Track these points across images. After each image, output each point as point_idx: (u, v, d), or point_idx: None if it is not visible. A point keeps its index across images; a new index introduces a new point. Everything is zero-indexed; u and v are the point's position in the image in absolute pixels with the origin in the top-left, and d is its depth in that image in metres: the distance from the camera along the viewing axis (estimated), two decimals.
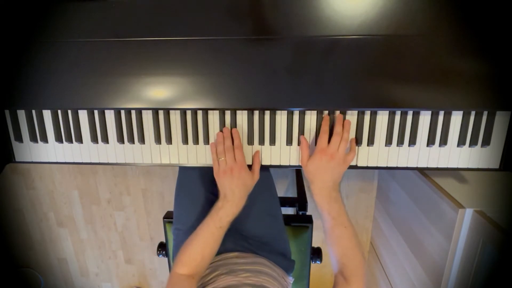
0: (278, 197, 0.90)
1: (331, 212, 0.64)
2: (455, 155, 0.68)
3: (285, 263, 0.83)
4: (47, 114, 0.72)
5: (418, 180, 1.06)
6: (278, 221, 0.87)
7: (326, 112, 0.68)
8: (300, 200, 1.17)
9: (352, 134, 0.69)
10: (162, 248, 1.07)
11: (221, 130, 0.70)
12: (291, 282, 0.84)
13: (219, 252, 0.78)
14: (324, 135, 0.65)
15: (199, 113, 0.70)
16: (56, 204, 1.79)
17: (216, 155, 0.69)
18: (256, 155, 0.70)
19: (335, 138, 0.65)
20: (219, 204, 0.67)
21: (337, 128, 0.65)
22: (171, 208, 0.92)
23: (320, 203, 0.66)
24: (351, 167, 0.70)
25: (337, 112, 0.68)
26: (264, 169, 0.87)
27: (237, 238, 0.81)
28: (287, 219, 0.97)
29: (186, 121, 0.70)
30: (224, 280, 0.68)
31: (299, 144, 0.70)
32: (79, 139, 0.73)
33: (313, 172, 0.66)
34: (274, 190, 0.89)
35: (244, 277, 0.69)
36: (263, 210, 0.85)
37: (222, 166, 0.67)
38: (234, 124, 0.69)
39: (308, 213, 1.07)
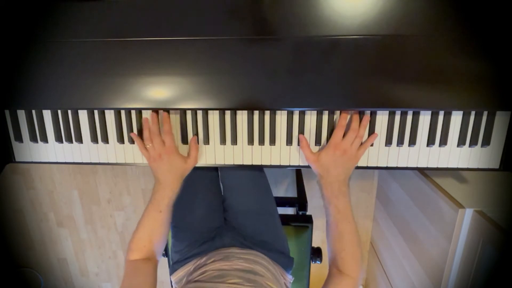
0: (273, 196, 0.90)
1: (338, 206, 0.64)
2: (455, 155, 0.68)
3: (284, 260, 0.83)
4: (47, 114, 0.72)
5: (418, 180, 1.06)
6: (275, 219, 0.87)
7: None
8: (300, 200, 1.17)
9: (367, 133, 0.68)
10: None
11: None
12: (291, 281, 0.84)
13: (216, 247, 0.79)
14: (340, 130, 0.65)
15: (199, 113, 0.70)
16: (56, 204, 1.79)
17: (142, 143, 0.69)
18: (192, 140, 0.70)
19: (350, 133, 0.64)
20: (154, 188, 0.68)
21: (354, 124, 0.65)
22: None
23: (328, 196, 0.65)
24: None
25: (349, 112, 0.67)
26: (258, 169, 0.87)
27: (236, 235, 0.82)
28: (287, 219, 0.97)
29: (186, 121, 0.70)
30: (217, 264, 0.70)
31: (299, 144, 0.70)
32: (79, 139, 0.73)
33: (325, 165, 0.65)
34: (269, 189, 0.90)
35: (236, 263, 0.70)
36: (260, 209, 0.85)
37: (151, 152, 0.67)
38: (234, 124, 0.69)
39: (308, 213, 1.07)
